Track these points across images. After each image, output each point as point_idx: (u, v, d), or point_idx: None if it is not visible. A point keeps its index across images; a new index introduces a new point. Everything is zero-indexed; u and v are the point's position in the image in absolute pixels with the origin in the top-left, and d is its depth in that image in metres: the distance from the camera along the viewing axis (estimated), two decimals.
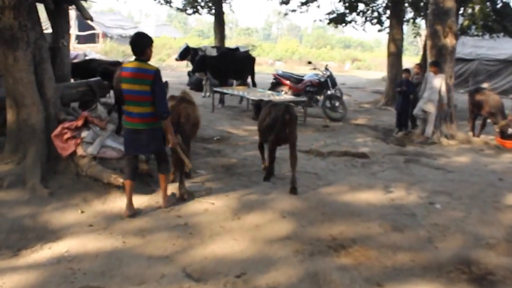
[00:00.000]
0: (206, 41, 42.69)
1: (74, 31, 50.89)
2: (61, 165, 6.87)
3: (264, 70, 31.71)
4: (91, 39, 49.62)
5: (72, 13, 51.58)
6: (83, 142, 6.78)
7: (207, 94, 16.74)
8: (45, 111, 6.93)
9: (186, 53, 16.69)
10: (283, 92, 14.62)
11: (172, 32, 57.89)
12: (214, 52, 15.66)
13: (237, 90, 14.07)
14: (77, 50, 31.79)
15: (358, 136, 11.89)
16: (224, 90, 14.13)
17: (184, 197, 6.43)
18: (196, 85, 18.18)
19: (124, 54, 38.26)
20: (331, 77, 14.44)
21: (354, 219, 6.12)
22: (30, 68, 6.66)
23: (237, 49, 17.05)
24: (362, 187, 7.54)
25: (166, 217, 5.88)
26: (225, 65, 14.80)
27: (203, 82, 17.12)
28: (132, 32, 52.19)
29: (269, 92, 14.18)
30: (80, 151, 6.74)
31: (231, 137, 10.94)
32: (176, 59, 17.59)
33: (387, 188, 7.56)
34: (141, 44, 5.65)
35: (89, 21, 49.99)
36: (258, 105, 8.39)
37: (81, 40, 49.08)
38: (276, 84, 14.98)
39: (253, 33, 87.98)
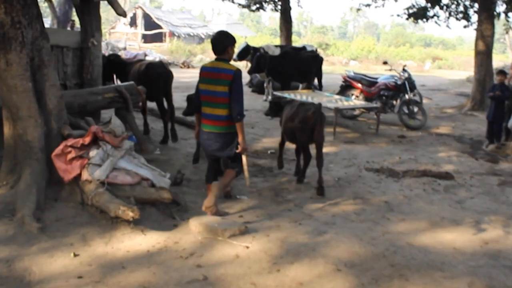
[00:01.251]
0: (278, 40, 41.60)
1: (140, 30, 51.13)
2: (65, 190, 5.68)
3: (337, 70, 29.89)
4: (158, 38, 49.52)
5: (139, 12, 52.08)
6: (90, 164, 5.54)
7: (269, 97, 15.31)
8: (45, 125, 5.75)
9: (246, 53, 15.24)
10: (353, 97, 12.97)
11: (243, 31, 56.98)
12: (276, 52, 14.15)
13: (299, 94, 12.54)
14: (142, 49, 31.24)
15: (440, 149, 10.08)
16: (285, 94, 12.65)
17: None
18: (258, 87, 16.80)
19: (190, 54, 37.56)
20: (409, 79, 12.63)
21: (434, 274, 4.53)
22: (26, 74, 5.49)
23: (302, 48, 15.48)
24: (445, 223, 5.90)
25: (181, 267, 4.50)
26: (287, 65, 13.30)
27: (265, 85, 15.72)
28: (200, 31, 51.88)
29: (337, 96, 12.57)
30: (85, 174, 5.51)
31: (290, 150, 9.46)
32: (234, 60, 16.16)
33: (478, 225, 5.90)
34: (223, 43, 5.50)
35: (156, 20, 50.13)
36: (278, 103, 8.14)
37: (147, 39, 49.03)
38: (346, 87, 13.33)
39: (328, 32, 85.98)
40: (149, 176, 5.91)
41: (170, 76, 9.63)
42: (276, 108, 8.02)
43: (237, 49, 16.61)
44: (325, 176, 7.70)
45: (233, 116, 5.40)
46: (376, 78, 13.49)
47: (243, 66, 17.39)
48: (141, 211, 5.61)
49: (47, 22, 36.86)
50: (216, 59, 5.56)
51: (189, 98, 8.45)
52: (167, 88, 9.55)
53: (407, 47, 53.09)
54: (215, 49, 5.54)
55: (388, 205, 6.46)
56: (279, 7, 19.96)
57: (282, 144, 7.86)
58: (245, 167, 5.83)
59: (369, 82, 13.13)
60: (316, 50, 15.95)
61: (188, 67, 28.64)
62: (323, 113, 7.08)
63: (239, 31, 54.26)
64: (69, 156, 5.63)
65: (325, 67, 31.58)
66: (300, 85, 15.11)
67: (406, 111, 12.23)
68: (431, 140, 10.99)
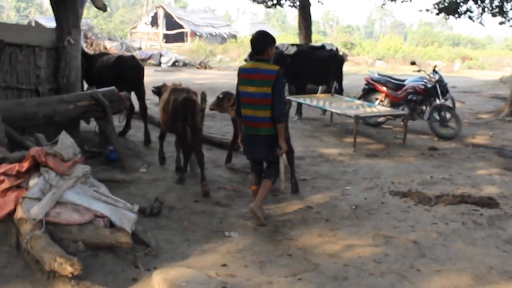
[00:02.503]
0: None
1: (161, 30, 50.06)
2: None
3: (362, 71, 28.25)
4: (180, 38, 48.39)
5: (160, 11, 51.05)
6: (25, 198, 4.22)
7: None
8: None
9: None
10: (377, 102, 11.49)
11: (268, 31, 55.38)
12: (291, 51, 12.74)
13: (315, 99, 11.11)
14: (163, 49, 30.11)
15: (478, 165, 8.55)
16: (299, 99, 11.23)
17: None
18: None
19: (211, 54, 36.29)
20: (441, 81, 11.09)
21: None
22: None
23: (320, 47, 14.01)
24: (494, 277, 4.47)
25: None
26: (301, 66, 11.84)
27: None
28: (223, 30, 50.61)
29: (359, 102, 11.10)
30: (19, 211, 4.20)
31: (300, 166, 8.07)
32: (245, 60, 14.80)
33: None
34: (262, 42, 5.36)
35: (177, 19, 49.03)
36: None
37: (170, 39, 47.90)
38: (369, 91, 11.85)
39: (354, 31, 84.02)
40: (106, 212, 4.58)
41: (140, 70, 9.18)
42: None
43: (249, 49, 15.34)
44: (340, 203, 6.32)
45: (276, 117, 5.29)
46: (403, 80, 11.95)
47: None
48: (92, 259, 4.38)
49: (44, 19, 35.97)
50: (255, 60, 5.40)
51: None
52: (138, 83, 9.03)
53: (435, 47, 51.04)
54: (254, 49, 5.41)
55: (418, 248, 5.02)
56: (297, 3, 18.51)
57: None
58: (282, 170, 5.65)
59: (395, 85, 11.63)
60: (337, 49, 14.46)
61: (205, 68, 27.38)
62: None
63: None
64: (2, 186, 4.34)
65: (349, 68, 30.12)
66: (320, 88, 13.68)
67: (438, 118, 10.70)
68: (467, 153, 9.44)
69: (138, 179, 6.90)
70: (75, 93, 7.21)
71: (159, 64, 27.97)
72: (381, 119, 11.28)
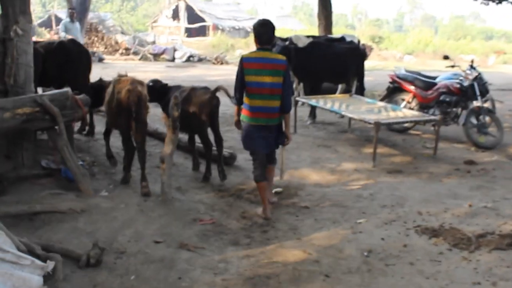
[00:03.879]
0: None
1: (183, 23, 48.65)
2: None
3: (389, 66, 26.28)
4: (202, 31, 46.88)
5: (181, 4, 49.60)
6: None
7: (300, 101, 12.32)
8: None
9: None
10: (403, 103, 9.81)
11: (294, 24, 53.61)
12: (305, 43, 11.10)
13: (331, 100, 9.47)
14: (184, 44, 28.70)
15: None
16: (311, 100, 9.61)
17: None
18: None
19: (232, 48, 34.76)
20: (479, 79, 9.33)
21: None
22: None
23: (340, 39, 12.31)
24: None
25: None
26: (317, 61, 10.20)
27: (294, 85, 12.73)
28: (246, 24, 48.90)
29: (381, 104, 9.44)
30: None
31: (304, 188, 6.53)
32: None
33: None
34: (270, 32, 5.30)
35: (199, 12, 47.59)
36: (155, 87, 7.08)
37: (192, 33, 46.40)
38: (394, 90, 10.16)
39: (384, 25, 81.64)
40: None
41: (84, 55, 8.34)
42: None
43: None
44: (349, 246, 4.75)
45: (285, 107, 5.37)
46: (434, 78, 10.19)
47: None
48: None
49: (63, 13, 34.87)
50: (262, 49, 5.29)
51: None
52: (81, 70, 8.11)
53: (468, 40, 48.57)
54: (261, 39, 5.27)
55: None
56: None
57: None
58: (283, 160, 6.08)
59: (425, 84, 9.89)
60: (359, 42, 12.74)
61: (222, 63, 25.87)
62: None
63: (290, 24, 51.07)
64: None
65: (375, 63, 28.15)
66: (339, 87, 12.03)
67: (475, 123, 8.98)
68: None
69: (92, 208, 5.42)
70: (13, 98, 5.74)
71: (173, 59, 26.57)
72: (407, 124, 9.58)
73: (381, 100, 10.05)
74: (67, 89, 5.98)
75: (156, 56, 27.12)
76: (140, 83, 6.07)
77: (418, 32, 49.29)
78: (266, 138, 5.44)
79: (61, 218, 5.09)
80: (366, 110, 8.70)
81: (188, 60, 26.58)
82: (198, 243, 4.81)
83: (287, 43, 10.86)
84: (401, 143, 9.11)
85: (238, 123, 5.65)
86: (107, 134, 6.91)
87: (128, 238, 4.80)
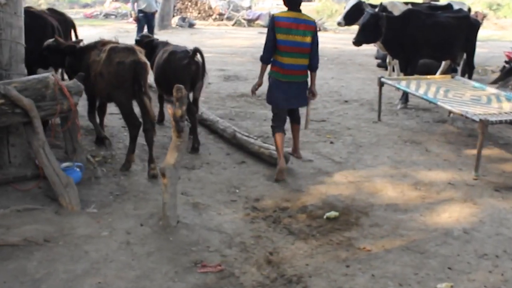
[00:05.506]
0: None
1: None
2: None
3: (506, 37, 22.79)
4: None
5: None
6: None
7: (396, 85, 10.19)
8: None
9: (356, 13, 10.03)
10: None
11: None
12: (401, 10, 8.96)
13: (426, 83, 7.36)
14: (273, 9, 26.86)
15: None
16: (401, 83, 7.53)
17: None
18: (385, 61, 11.61)
19: (336, 14, 32.24)
20: None
21: None
22: None
23: (446, 6, 9.95)
24: None
25: None
26: (414, 33, 8.06)
27: (387, 60, 10.60)
28: None
29: (492, 90, 7.17)
30: None
31: (371, 211, 4.68)
32: (339, 24, 11.03)
33: None
34: None
35: None
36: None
37: None
38: (510, 72, 7.83)
39: None
40: None
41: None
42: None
43: (344, 9, 11.59)
44: None
45: (313, 66, 5.58)
46: None
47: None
48: None
49: None
50: (292, 10, 5.43)
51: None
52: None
53: None
54: (292, 4, 5.44)
55: None
56: None
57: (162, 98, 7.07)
58: (310, 111, 6.07)
59: None
60: (469, 10, 10.31)
61: (319, 30, 23.77)
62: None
63: None
64: None
65: (491, 32, 24.47)
66: (442, 64, 9.78)
67: None
68: None
69: (64, 235, 4.01)
70: None
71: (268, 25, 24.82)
72: None
73: (493, 83, 7.78)
74: (47, 74, 4.49)
75: (251, 22, 25.57)
76: (141, 52, 5.34)
77: None
78: (293, 94, 5.60)
79: (9, 253, 3.69)
80: (470, 99, 6.55)
81: None
82: None
83: (376, 10, 8.79)
84: None
85: (257, 87, 5.70)
86: (92, 113, 6.04)
87: (115, 274, 3.31)
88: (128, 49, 5.19)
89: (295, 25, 5.32)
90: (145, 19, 13.59)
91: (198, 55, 6.02)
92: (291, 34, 5.32)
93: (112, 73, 5.10)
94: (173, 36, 19.72)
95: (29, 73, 5.28)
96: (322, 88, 9.85)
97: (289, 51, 5.39)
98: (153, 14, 14.05)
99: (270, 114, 6.02)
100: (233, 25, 25.58)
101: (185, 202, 4.67)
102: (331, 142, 6.63)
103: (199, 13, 27.05)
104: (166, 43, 6.72)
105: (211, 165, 5.72)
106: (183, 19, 23.97)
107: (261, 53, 5.53)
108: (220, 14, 26.98)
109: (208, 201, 4.80)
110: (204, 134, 6.74)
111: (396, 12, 9.12)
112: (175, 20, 23.48)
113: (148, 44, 6.60)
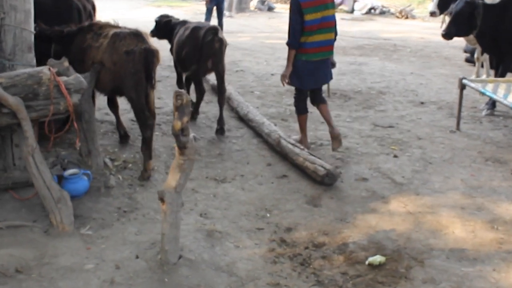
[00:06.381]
0: None
1: None
2: None
3: None
4: None
5: None
6: None
7: (483, 76, 8.87)
8: None
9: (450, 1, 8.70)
10: None
11: None
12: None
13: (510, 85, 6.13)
14: None
15: None
16: (488, 86, 6.30)
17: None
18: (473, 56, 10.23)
19: (426, 0, 30.24)
20: None
21: None
22: None
23: None
24: None
25: None
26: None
27: (475, 55, 9.23)
28: None
29: None
30: None
31: (428, 258, 3.68)
32: (433, 14, 9.68)
33: None
34: None
35: None
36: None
37: None
38: None
39: None
40: None
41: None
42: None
43: None
44: None
45: (336, 37, 5.59)
46: None
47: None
48: None
49: None
50: None
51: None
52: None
53: None
54: None
55: None
56: None
57: (180, 81, 6.79)
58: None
59: None
60: None
61: (406, 17, 22.18)
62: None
63: None
64: None
65: None
66: None
67: None
68: None
69: (41, 265, 3.35)
70: None
71: (352, 10, 23.51)
72: None
73: None
74: (41, 68, 3.79)
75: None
76: (146, 35, 4.76)
77: None
78: (321, 72, 5.57)
79: None
80: None
81: (368, 12, 23.35)
82: None
83: None
84: None
85: (288, 75, 5.55)
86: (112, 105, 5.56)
87: None
88: (135, 35, 4.58)
89: (319, 1, 5.27)
90: (215, 0, 12.85)
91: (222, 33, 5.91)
92: (319, 11, 5.27)
93: (119, 64, 4.47)
94: (250, 20, 19.01)
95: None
96: (397, 86, 8.73)
97: (319, 28, 5.32)
98: None
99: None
100: None
101: (198, 229, 3.89)
102: (395, 156, 5.59)
103: None
104: (185, 22, 6.49)
105: (245, 178, 4.90)
106: (262, 2, 23.11)
107: (290, 37, 5.37)
108: None
109: (228, 227, 3.99)
110: (248, 137, 5.93)
111: (491, 0, 7.81)
112: (254, 3, 22.68)
113: (166, 24, 6.53)
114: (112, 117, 5.87)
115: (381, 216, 4.27)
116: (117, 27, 4.78)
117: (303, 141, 5.56)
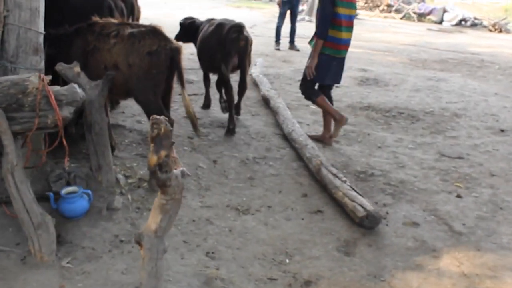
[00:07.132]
0: None
1: None
2: None
3: None
4: None
5: None
6: None
7: None
8: None
9: None
10: None
11: None
12: None
13: None
14: (448, 4, 23.97)
15: None
16: None
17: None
18: None
19: None
20: None
21: None
22: None
23: None
24: None
25: None
26: None
27: None
28: None
29: None
30: None
31: None
32: None
33: None
34: None
35: None
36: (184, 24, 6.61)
37: None
38: None
39: None
40: None
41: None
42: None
43: None
44: None
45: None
46: None
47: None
48: None
49: None
50: None
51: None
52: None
53: None
54: None
55: None
56: None
57: (207, 77, 6.56)
58: None
59: None
60: None
61: (500, 31, 20.62)
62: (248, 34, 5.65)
63: None
64: None
65: None
66: None
67: None
68: None
69: None
70: None
71: (441, 21, 22.15)
72: None
73: None
74: (29, 75, 3.26)
75: (421, 17, 22.99)
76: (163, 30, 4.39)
77: None
78: (340, 70, 5.60)
79: None
80: None
81: (459, 23, 21.92)
82: None
83: None
84: None
85: (313, 66, 5.44)
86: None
87: None
88: (153, 33, 4.16)
89: None
90: (289, 4, 12.22)
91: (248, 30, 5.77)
92: (350, 7, 5.36)
93: (136, 66, 4.06)
94: None
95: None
96: (476, 108, 7.74)
97: (347, 25, 5.38)
98: None
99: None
100: (401, 18, 23.28)
101: (197, 273, 3.25)
102: (458, 196, 4.72)
103: (365, 3, 25.19)
104: (210, 19, 6.28)
105: (272, 210, 4.22)
106: None
107: (320, 28, 5.31)
108: (389, 6, 24.77)
109: (234, 273, 3.33)
110: (287, 160, 5.23)
111: None
112: None
113: (191, 25, 6.42)
114: (142, 126, 5.38)
115: (426, 276, 3.47)
116: (123, 24, 4.28)
117: (336, 117, 5.54)
